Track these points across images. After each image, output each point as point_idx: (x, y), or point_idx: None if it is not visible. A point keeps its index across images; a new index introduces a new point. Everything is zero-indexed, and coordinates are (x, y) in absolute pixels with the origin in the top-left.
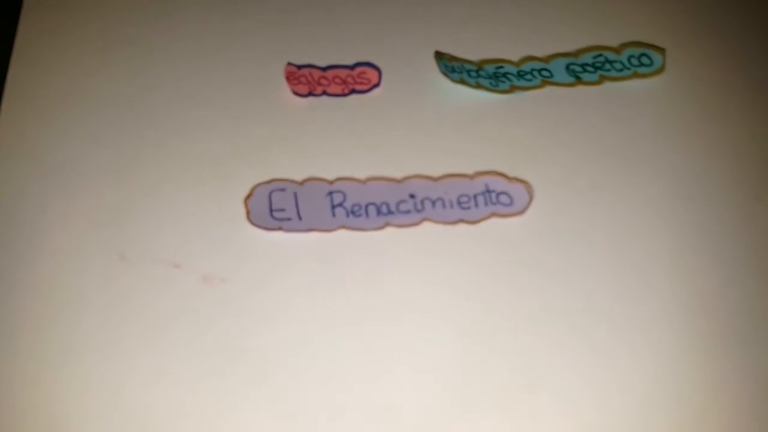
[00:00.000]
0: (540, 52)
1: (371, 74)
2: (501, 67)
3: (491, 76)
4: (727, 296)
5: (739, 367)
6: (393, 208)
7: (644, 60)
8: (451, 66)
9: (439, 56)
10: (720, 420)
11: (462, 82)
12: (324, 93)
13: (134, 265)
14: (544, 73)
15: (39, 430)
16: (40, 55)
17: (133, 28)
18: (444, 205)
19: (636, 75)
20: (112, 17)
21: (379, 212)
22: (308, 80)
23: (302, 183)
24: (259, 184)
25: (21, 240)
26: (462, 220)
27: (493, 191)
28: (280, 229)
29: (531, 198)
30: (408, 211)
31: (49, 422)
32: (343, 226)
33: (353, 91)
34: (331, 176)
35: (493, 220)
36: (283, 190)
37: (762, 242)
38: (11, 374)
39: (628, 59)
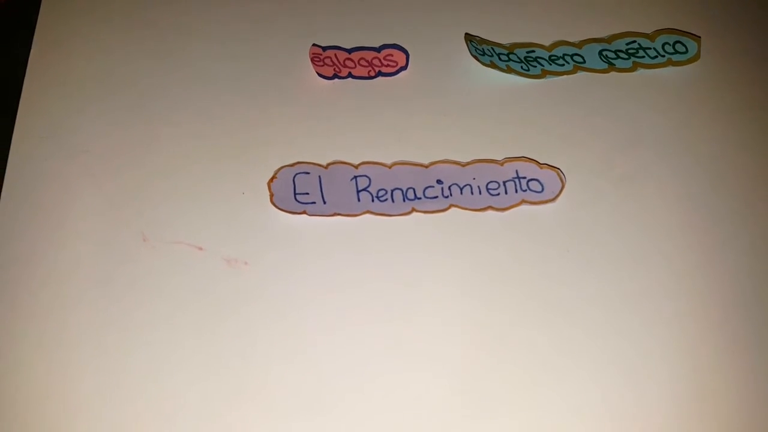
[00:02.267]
0: (572, 37)
1: (398, 56)
2: (532, 51)
3: (522, 60)
4: (762, 293)
5: (763, 366)
6: (419, 193)
7: (679, 47)
8: (481, 49)
9: (469, 38)
10: (735, 418)
11: (492, 65)
12: (349, 75)
13: (156, 246)
14: (577, 58)
15: (58, 410)
16: (62, 37)
17: (156, 10)
18: (472, 192)
19: (671, 63)
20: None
21: (405, 198)
22: (333, 62)
23: (327, 166)
24: (283, 167)
25: (43, 221)
26: (491, 207)
27: (524, 178)
28: (304, 212)
29: (563, 185)
30: (435, 197)
31: (67, 402)
32: (369, 211)
33: (379, 74)
34: (356, 160)
35: (523, 208)
36: (307, 173)
37: None
38: (29, 355)
39: (663, 46)
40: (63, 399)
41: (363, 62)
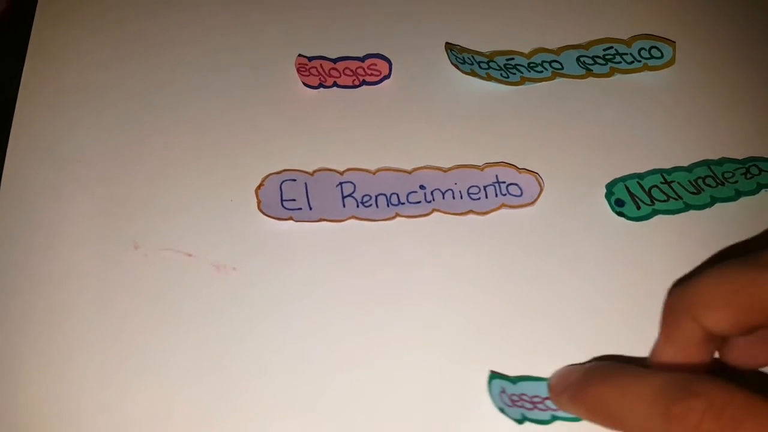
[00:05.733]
0: (551, 44)
1: (382, 66)
2: (512, 58)
3: (502, 67)
4: None
5: None
6: (403, 198)
7: (655, 52)
8: (461, 57)
9: (450, 47)
10: None
11: (472, 73)
12: (334, 84)
13: (148, 253)
14: (555, 65)
15: (52, 416)
16: (56, 49)
17: (146, 21)
18: (454, 196)
19: (647, 67)
20: (125, 10)
21: (389, 203)
22: (319, 72)
23: (313, 173)
24: (270, 175)
25: (35, 231)
26: (472, 211)
27: (503, 182)
28: (290, 218)
29: (541, 189)
30: (418, 202)
31: (59, 413)
32: (353, 217)
33: (364, 83)
34: (341, 167)
35: (503, 211)
36: (294, 180)
37: None
38: (24, 365)
39: (639, 52)
40: (57, 405)
41: (347, 72)
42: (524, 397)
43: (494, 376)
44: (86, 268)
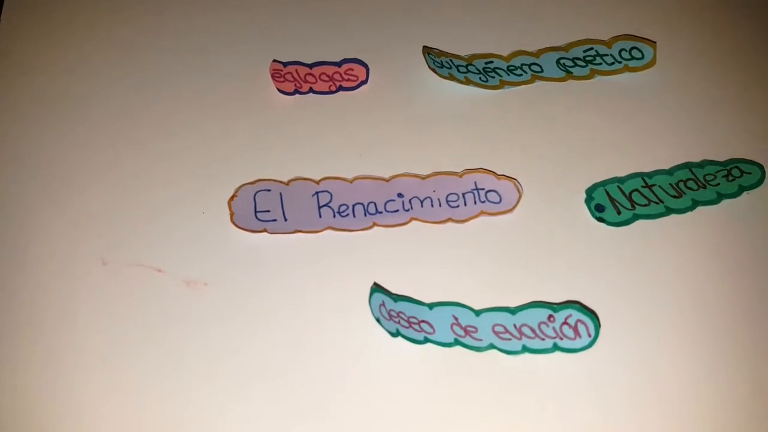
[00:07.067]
0: (530, 47)
1: (358, 71)
2: (490, 62)
3: (480, 71)
4: (725, 292)
5: (747, 365)
6: (380, 207)
7: (635, 53)
8: (439, 61)
9: (428, 51)
10: (718, 420)
11: (451, 77)
12: (310, 90)
13: (116, 270)
14: (534, 67)
15: None
16: (22, 56)
17: (117, 27)
18: (432, 204)
19: (627, 69)
20: (94, 16)
21: (366, 212)
22: (294, 78)
23: (288, 183)
24: (243, 185)
25: (1, 244)
26: (450, 219)
27: (482, 189)
28: (264, 230)
29: (520, 195)
30: (396, 211)
31: (26, 427)
32: (330, 227)
33: (340, 88)
34: (317, 176)
35: (482, 219)
36: (268, 190)
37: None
38: None
39: (619, 53)
40: (25, 421)
41: (324, 77)
42: (402, 315)
43: (376, 289)
44: (52, 285)
